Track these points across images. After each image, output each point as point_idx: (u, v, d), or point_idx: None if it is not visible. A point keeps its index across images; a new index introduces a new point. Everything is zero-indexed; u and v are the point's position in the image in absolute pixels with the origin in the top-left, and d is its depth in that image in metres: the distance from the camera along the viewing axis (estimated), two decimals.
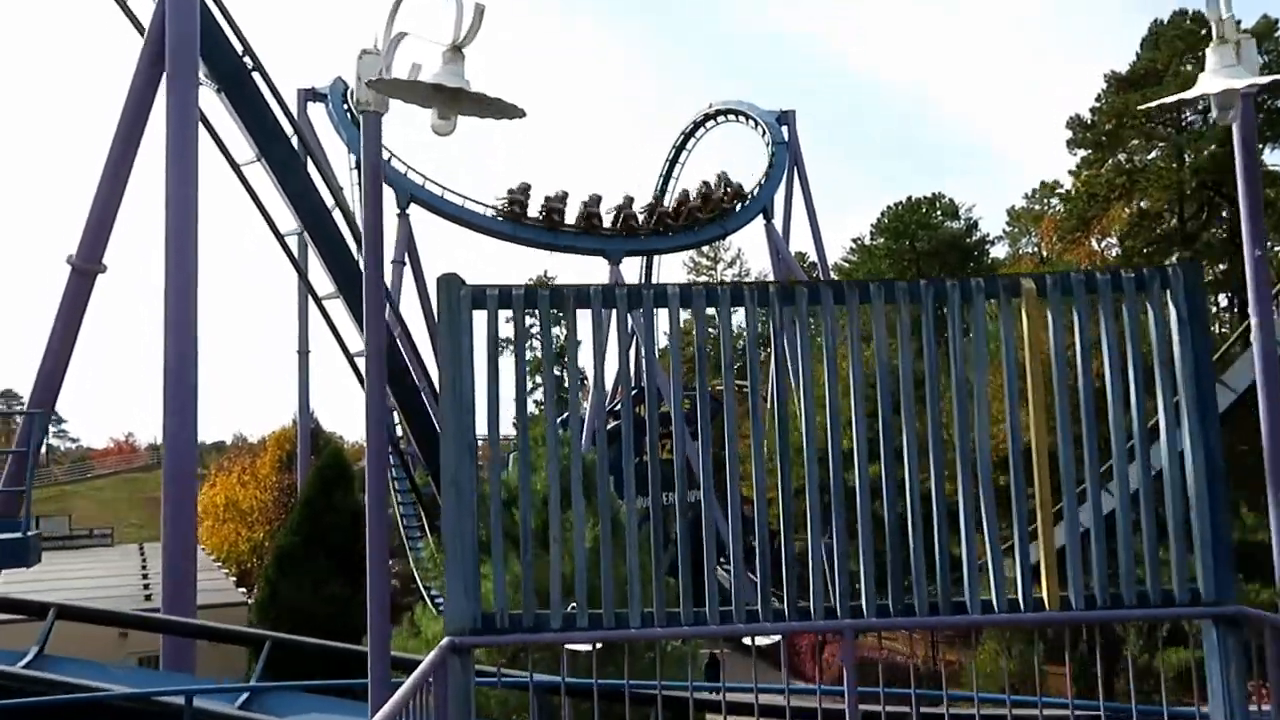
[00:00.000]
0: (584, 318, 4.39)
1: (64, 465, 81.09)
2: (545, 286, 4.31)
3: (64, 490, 67.73)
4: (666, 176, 53.28)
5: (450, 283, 4.31)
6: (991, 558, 4.29)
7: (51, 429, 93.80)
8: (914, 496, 4.29)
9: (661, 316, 4.48)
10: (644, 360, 4.21)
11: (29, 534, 9.75)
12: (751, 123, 49.52)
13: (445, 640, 4.14)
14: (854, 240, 64.74)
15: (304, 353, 40.38)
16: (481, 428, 4.38)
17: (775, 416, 4.33)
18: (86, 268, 16.28)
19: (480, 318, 4.32)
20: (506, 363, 4.39)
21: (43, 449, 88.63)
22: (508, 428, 4.57)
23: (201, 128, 18.36)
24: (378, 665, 4.44)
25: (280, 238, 23.99)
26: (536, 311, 4.38)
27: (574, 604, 4.44)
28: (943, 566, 4.26)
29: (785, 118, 48.53)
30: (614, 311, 4.43)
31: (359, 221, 34.57)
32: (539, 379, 4.96)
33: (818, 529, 4.27)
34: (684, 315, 4.49)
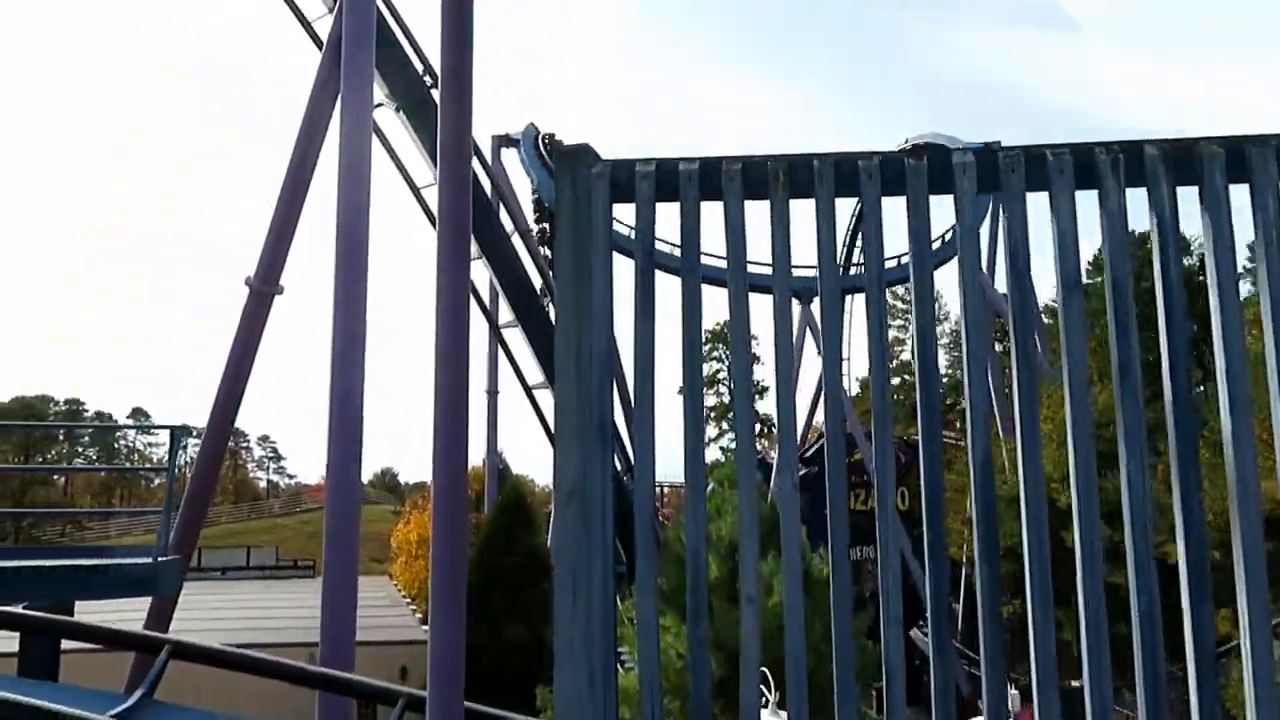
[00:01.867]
0: (801, 213, 2.55)
1: (281, 499, 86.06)
2: (736, 159, 2.50)
3: (276, 523, 71.47)
4: (859, 218, 50.39)
5: (575, 159, 2.57)
6: None
7: (270, 465, 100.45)
8: None
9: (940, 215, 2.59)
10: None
11: (159, 560, 8.76)
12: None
13: None
14: None
15: (493, 393, 40.46)
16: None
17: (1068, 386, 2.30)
18: (264, 289, 15.86)
19: (627, 220, 2.57)
20: (667, 301, 2.62)
21: (262, 484, 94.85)
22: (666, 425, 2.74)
23: (381, 149, 17.90)
24: None
25: None
26: (726, 214, 2.56)
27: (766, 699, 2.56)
28: None
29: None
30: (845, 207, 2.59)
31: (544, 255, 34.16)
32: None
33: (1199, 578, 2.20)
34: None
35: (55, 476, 73.03)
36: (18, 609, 7.96)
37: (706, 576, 2.38)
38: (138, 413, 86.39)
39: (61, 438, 78.79)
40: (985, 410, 2.43)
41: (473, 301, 26.08)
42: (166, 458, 10.04)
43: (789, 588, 2.43)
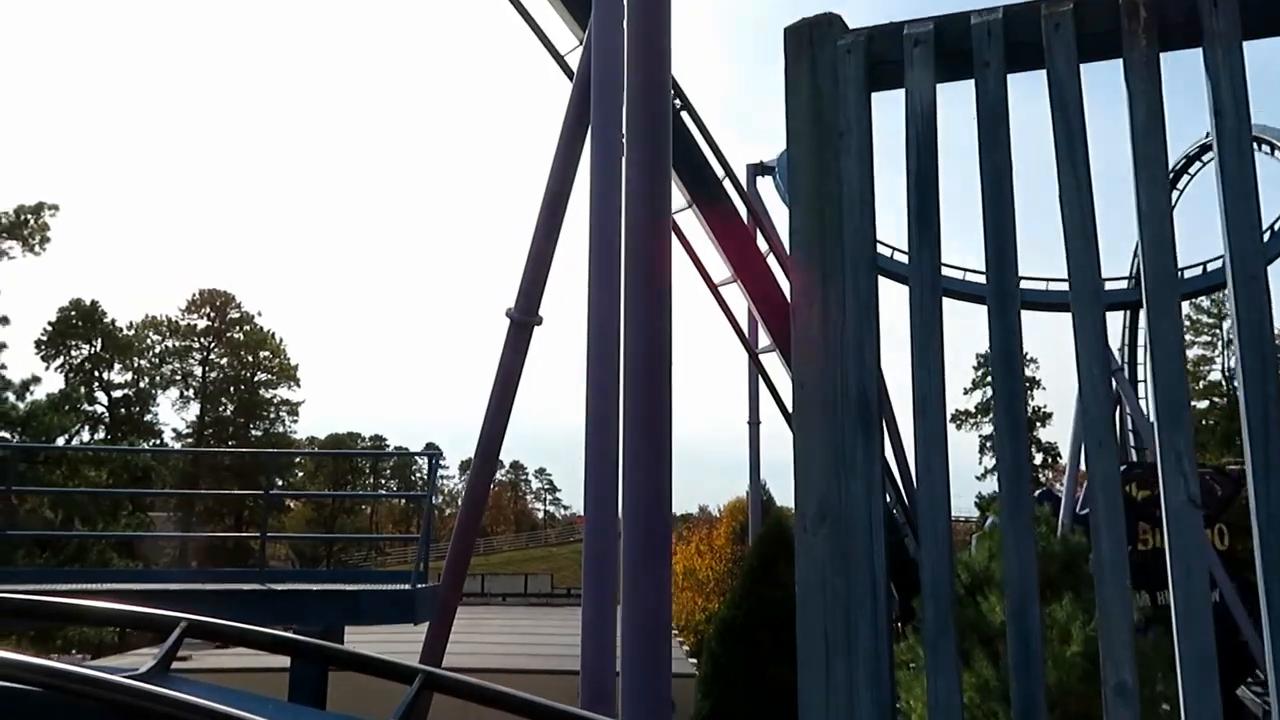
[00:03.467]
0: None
1: (556, 529, 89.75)
2: (1061, 2, 1.61)
3: (551, 551, 74.36)
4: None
5: (812, 35, 1.79)
6: None
7: (547, 496, 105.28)
8: None
9: None
10: None
11: (417, 587, 8.72)
12: (1267, 148, 39.75)
13: None
14: None
15: (754, 424, 39.77)
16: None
17: None
18: (524, 320, 16.10)
19: (888, 109, 1.76)
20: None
21: (540, 514, 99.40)
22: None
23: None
24: None
25: (714, 289, 23.07)
26: (1052, 81, 1.68)
27: None
28: None
29: None
30: None
31: None
32: None
33: None
34: None
35: (361, 505, 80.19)
36: (288, 632, 8.10)
37: (1041, 649, 1.49)
38: (430, 446, 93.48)
39: (367, 470, 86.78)
40: None
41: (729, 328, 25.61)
42: (445, 486, 10.06)
43: (1190, 635, 1.48)
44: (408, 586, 8.76)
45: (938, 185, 1.67)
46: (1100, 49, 1.63)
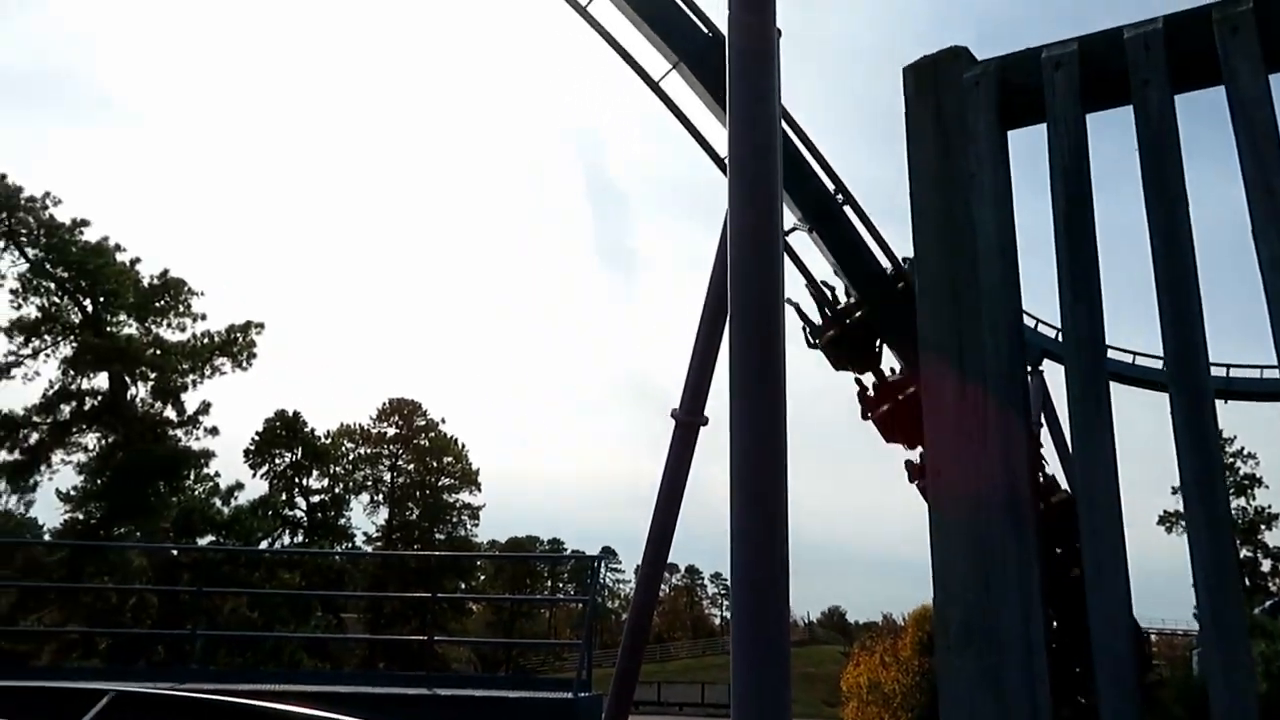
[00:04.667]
0: None
1: (725, 637, 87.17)
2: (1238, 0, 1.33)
3: (729, 659, 72.12)
4: None
5: (935, 73, 1.56)
6: None
7: (723, 602, 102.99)
8: None
9: None
10: None
11: (581, 695, 8.46)
12: None
13: None
14: None
15: None
16: None
17: None
18: (689, 420, 15.97)
19: (1028, 147, 1.50)
20: None
21: (716, 620, 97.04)
22: None
23: (795, 269, 17.62)
24: None
25: None
26: (1233, 97, 1.38)
27: None
28: None
29: None
30: None
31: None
32: None
33: None
34: None
35: (540, 609, 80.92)
36: None
37: None
38: (606, 551, 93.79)
39: (545, 573, 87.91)
40: None
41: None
42: (603, 587, 9.90)
43: None
44: (569, 695, 8.53)
45: (1094, 225, 1.39)
46: None
